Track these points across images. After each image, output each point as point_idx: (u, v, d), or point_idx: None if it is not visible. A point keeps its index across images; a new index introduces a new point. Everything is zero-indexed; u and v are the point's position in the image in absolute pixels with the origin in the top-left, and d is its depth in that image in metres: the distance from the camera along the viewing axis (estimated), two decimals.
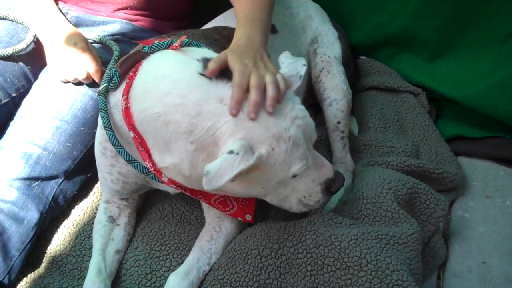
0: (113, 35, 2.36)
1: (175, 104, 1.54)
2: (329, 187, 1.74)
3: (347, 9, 2.90)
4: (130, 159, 1.73)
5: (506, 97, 2.52)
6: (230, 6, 2.36)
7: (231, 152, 1.43)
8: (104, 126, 1.72)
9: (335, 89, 2.37)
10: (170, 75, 1.60)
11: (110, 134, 1.70)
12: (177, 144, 1.56)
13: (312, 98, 2.54)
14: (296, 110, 1.62)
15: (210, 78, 1.57)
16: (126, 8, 2.39)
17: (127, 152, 1.72)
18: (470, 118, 2.70)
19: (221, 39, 2.01)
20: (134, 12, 2.41)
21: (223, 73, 1.60)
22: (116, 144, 1.71)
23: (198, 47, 1.77)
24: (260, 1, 1.98)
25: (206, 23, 2.31)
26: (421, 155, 2.50)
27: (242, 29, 1.87)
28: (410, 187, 2.06)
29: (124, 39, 2.35)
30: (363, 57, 3.03)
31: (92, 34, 2.26)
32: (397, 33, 2.84)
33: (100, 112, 1.73)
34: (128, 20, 2.41)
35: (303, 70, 1.71)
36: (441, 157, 2.48)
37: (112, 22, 2.38)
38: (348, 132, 2.39)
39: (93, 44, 2.24)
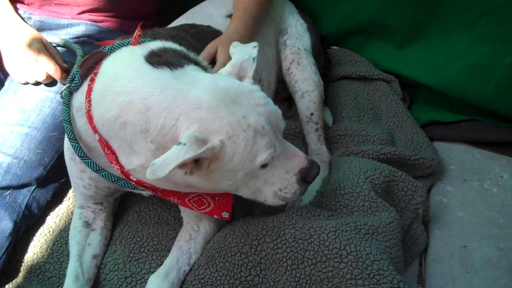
0: (78, 37, 2.33)
1: (125, 103, 1.51)
2: (305, 177, 1.69)
3: (315, 0, 2.88)
4: (98, 169, 1.71)
5: (477, 79, 2.54)
6: (196, 3, 2.37)
7: (179, 143, 1.40)
8: (68, 138, 1.70)
9: (306, 80, 2.36)
10: (120, 74, 1.58)
11: (75, 145, 1.68)
12: (139, 144, 1.53)
13: (286, 91, 2.53)
14: (256, 97, 1.57)
15: (154, 65, 1.56)
16: (91, 10, 2.36)
17: (93, 162, 1.70)
18: (444, 102, 2.72)
19: (187, 37, 1.98)
20: (100, 13, 2.39)
21: (168, 61, 1.58)
22: (82, 155, 1.69)
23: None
24: None
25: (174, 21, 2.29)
26: (396, 142, 2.50)
27: (237, 23, 2.07)
28: (386, 175, 2.06)
29: (90, 41, 2.32)
30: (334, 47, 3.04)
31: (56, 38, 2.22)
32: (366, 21, 2.84)
33: (63, 124, 1.71)
34: (94, 21, 2.38)
35: (254, 52, 1.69)
36: (416, 143, 2.49)
37: (77, 25, 2.35)
38: (322, 123, 2.38)
39: (58, 48, 2.20)
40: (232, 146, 1.48)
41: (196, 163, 1.47)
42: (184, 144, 1.38)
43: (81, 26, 2.36)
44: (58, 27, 2.35)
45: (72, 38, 2.31)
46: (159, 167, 1.36)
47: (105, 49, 1.72)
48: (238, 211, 2.05)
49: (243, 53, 1.68)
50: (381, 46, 2.90)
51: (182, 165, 1.41)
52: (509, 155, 2.58)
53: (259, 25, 2.21)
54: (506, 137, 2.59)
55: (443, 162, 2.53)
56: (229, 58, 1.73)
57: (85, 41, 2.32)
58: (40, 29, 2.28)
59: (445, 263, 2.06)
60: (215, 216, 1.82)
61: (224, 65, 1.72)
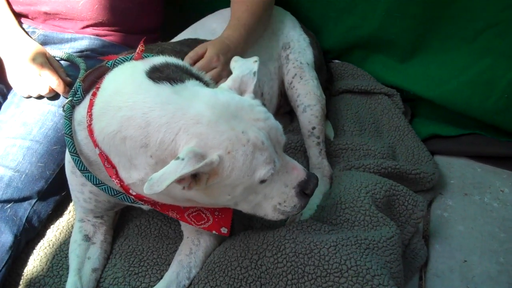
0: (82, 51, 2.34)
1: (126, 118, 1.52)
2: (304, 189, 1.68)
3: (317, 14, 2.89)
4: (98, 183, 1.71)
5: (479, 94, 2.54)
6: (199, 18, 2.38)
7: (177, 158, 1.39)
8: (69, 152, 1.71)
9: (308, 95, 2.37)
10: (121, 89, 1.58)
11: (76, 159, 1.69)
12: (139, 159, 1.53)
13: (288, 105, 2.53)
14: (256, 112, 1.57)
15: (155, 81, 1.56)
16: (94, 24, 2.36)
17: (94, 176, 1.71)
18: (445, 116, 2.72)
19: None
20: (103, 27, 2.39)
21: (169, 76, 1.59)
22: (83, 169, 1.70)
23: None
24: (253, 8, 2.20)
25: (177, 35, 2.31)
26: (398, 156, 2.50)
27: (230, 31, 2.14)
28: (387, 189, 2.06)
29: (94, 55, 2.33)
30: (336, 61, 3.04)
31: (59, 52, 2.23)
32: (369, 35, 2.84)
33: (65, 137, 1.72)
34: (97, 35, 2.39)
35: (255, 67, 1.69)
36: (417, 157, 2.49)
37: (80, 39, 2.36)
38: (323, 137, 2.38)
39: (61, 62, 2.21)
40: (230, 161, 1.48)
41: (194, 178, 1.47)
42: (183, 159, 1.38)
43: (84, 40, 2.37)
44: (62, 41, 2.36)
45: (76, 52, 2.32)
46: (156, 181, 1.36)
47: (108, 64, 1.73)
48: (238, 225, 2.04)
49: (244, 68, 1.69)
50: (383, 60, 2.91)
51: (180, 180, 1.41)
52: (510, 169, 2.58)
53: (254, 36, 2.25)
54: (507, 151, 2.59)
55: (444, 176, 2.53)
56: (216, 57, 1.91)
57: (88, 55, 2.33)
58: (44, 43, 2.29)
59: (446, 278, 2.06)
60: (214, 232, 1.82)
61: (209, 62, 1.90)
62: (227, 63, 1.89)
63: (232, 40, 2.08)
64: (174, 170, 1.37)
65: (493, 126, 2.60)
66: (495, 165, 2.61)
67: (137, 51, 1.73)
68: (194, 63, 1.91)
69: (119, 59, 1.73)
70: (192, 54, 1.95)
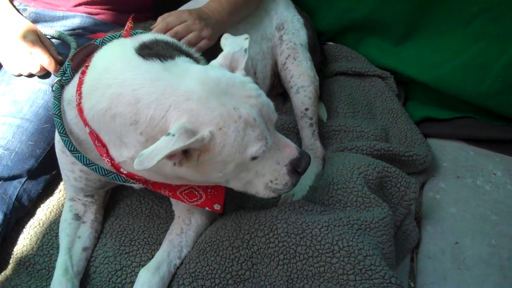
0: (73, 29, 2.31)
1: (116, 95, 1.50)
2: (296, 167, 1.68)
3: None
4: (88, 163, 1.70)
5: (472, 77, 2.54)
6: None
7: (168, 134, 1.38)
8: (58, 132, 1.69)
9: (301, 76, 2.36)
10: (111, 67, 1.57)
11: (66, 140, 1.68)
12: (129, 137, 1.52)
13: (281, 86, 2.52)
14: (248, 89, 1.56)
15: (144, 57, 1.55)
16: (87, 3, 2.34)
17: (84, 156, 1.70)
18: (438, 99, 2.72)
19: None
20: (95, 6, 2.37)
21: (158, 52, 1.58)
22: (72, 149, 1.69)
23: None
24: None
25: None
26: (390, 138, 2.50)
27: (212, 3, 2.12)
28: (380, 171, 2.06)
29: (85, 33, 2.30)
30: (330, 43, 3.04)
31: (51, 30, 2.21)
32: (363, 18, 2.84)
33: (54, 118, 1.70)
34: (89, 14, 2.36)
35: (246, 44, 1.68)
36: (410, 139, 2.49)
37: (72, 17, 2.33)
38: (316, 118, 2.38)
39: (53, 40, 2.19)
40: (222, 138, 1.47)
41: (185, 154, 1.46)
42: (173, 135, 1.37)
43: (76, 19, 2.34)
44: (53, 19, 2.33)
45: (67, 31, 2.29)
46: (147, 157, 1.35)
47: (97, 42, 1.72)
48: (231, 205, 2.04)
49: (235, 45, 1.68)
50: (378, 43, 2.91)
51: (170, 156, 1.40)
52: (503, 153, 2.59)
53: (242, 11, 2.23)
54: (500, 135, 2.60)
55: (437, 159, 2.53)
56: (196, 21, 1.93)
57: (80, 33, 2.31)
58: (35, 21, 2.26)
59: (437, 260, 2.06)
60: (207, 209, 1.81)
61: (188, 25, 1.91)
62: (206, 27, 1.92)
63: (211, 9, 2.06)
64: (164, 145, 1.36)
65: (487, 109, 2.61)
66: (488, 148, 2.61)
67: (125, 28, 1.72)
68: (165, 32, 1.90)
69: (108, 37, 1.72)
70: (162, 26, 1.93)
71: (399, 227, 2.05)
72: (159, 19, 1.91)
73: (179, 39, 1.87)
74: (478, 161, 2.55)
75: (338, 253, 1.68)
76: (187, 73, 1.52)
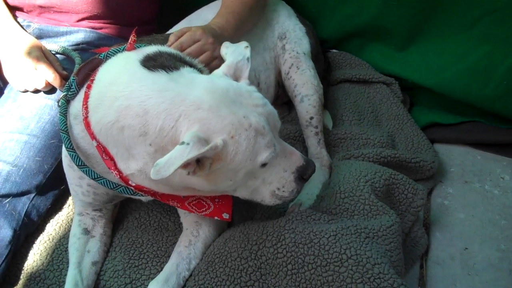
0: (77, 44, 2.33)
1: (123, 108, 1.51)
2: (302, 175, 1.70)
3: (314, 3, 2.88)
4: (96, 177, 1.71)
5: (477, 81, 2.54)
6: (195, 9, 2.37)
7: (182, 143, 1.39)
8: (65, 147, 1.70)
9: (305, 84, 2.36)
10: (116, 80, 1.58)
11: (73, 154, 1.69)
12: (137, 148, 1.53)
13: (286, 95, 2.53)
14: (254, 98, 1.59)
15: (150, 69, 1.57)
16: (90, 17, 2.35)
17: (91, 170, 1.71)
18: (444, 104, 2.72)
19: None
20: (99, 20, 2.38)
21: (163, 64, 1.59)
22: (80, 164, 1.69)
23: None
24: None
25: (173, 27, 2.29)
26: (397, 145, 2.50)
27: (219, 19, 2.11)
28: (387, 178, 2.05)
29: (89, 48, 2.32)
30: (334, 50, 3.03)
31: (55, 45, 2.22)
32: (366, 24, 2.83)
33: (60, 133, 1.72)
34: (92, 28, 2.37)
35: (247, 52, 1.70)
36: (417, 145, 2.48)
37: (76, 32, 2.34)
38: (322, 127, 2.38)
39: (57, 55, 2.20)
40: (234, 146, 1.49)
41: (198, 163, 1.47)
42: (188, 144, 1.39)
43: (80, 33, 2.35)
44: (57, 34, 2.35)
45: (72, 46, 2.31)
46: (163, 166, 1.36)
47: (101, 56, 1.73)
48: (238, 216, 2.04)
49: (237, 54, 1.70)
50: (381, 49, 2.90)
51: (185, 165, 1.41)
52: (510, 157, 2.58)
53: (246, 25, 2.24)
54: (507, 139, 2.59)
55: (444, 164, 2.52)
56: (210, 39, 1.90)
57: (84, 48, 2.32)
58: (39, 36, 2.28)
59: (446, 266, 2.05)
60: (216, 218, 1.82)
61: (202, 45, 1.89)
62: (214, 44, 1.92)
63: (218, 26, 2.07)
64: (179, 154, 1.37)
65: (493, 113, 2.60)
66: (495, 152, 2.61)
67: (129, 41, 1.73)
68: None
69: (112, 51, 1.73)
70: (176, 32, 1.95)
71: (407, 234, 2.05)
72: (172, 37, 1.91)
73: None
74: (486, 165, 2.54)
75: (347, 262, 1.68)
76: (194, 83, 1.54)
